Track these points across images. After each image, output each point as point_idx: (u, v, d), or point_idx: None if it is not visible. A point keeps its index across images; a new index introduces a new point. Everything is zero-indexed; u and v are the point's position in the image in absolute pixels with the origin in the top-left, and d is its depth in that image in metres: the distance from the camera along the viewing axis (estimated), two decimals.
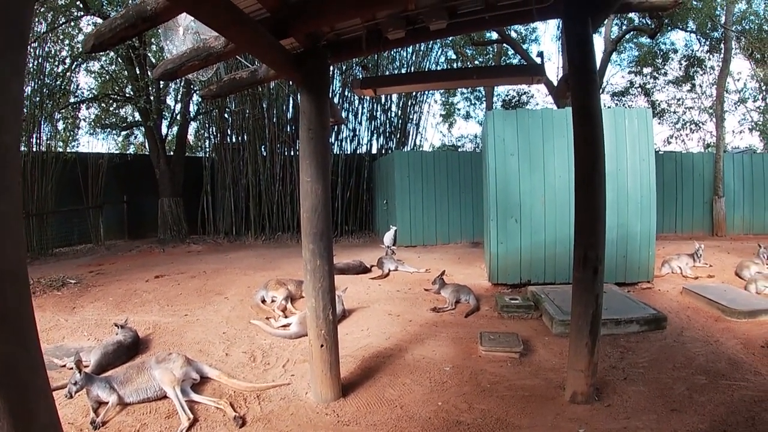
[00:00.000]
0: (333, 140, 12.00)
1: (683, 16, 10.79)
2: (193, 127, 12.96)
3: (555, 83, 11.08)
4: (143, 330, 4.22)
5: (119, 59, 10.31)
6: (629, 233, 5.73)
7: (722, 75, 11.30)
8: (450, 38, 11.76)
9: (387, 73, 11.57)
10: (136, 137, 15.03)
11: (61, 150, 9.78)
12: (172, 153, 11.59)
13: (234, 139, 11.75)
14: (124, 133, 13.89)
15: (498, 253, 5.90)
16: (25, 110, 8.00)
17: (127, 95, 10.63)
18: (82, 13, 9.26)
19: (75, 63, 9.89)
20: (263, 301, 5.12)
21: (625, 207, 5.73)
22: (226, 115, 11.76)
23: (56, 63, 9.62)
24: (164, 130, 11.39)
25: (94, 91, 11.14)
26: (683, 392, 2.98)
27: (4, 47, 1.01)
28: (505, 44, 13.18)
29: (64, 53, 9.70)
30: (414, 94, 12.92)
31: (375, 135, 13.19)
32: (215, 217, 11.71)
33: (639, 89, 15.68)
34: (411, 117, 13.44)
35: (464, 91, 17.51)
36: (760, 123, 14.71)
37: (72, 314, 4.79)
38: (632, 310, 4.36)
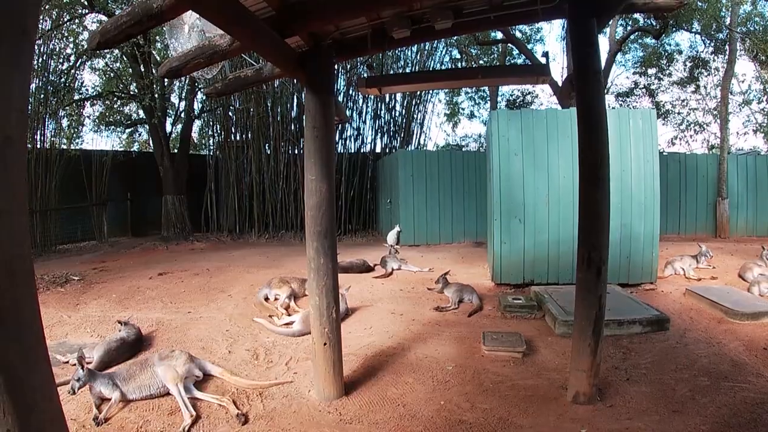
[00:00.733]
0: (337, 139, 11.99)
1: (688, 17, 10.75)
2: (197, 125, 13.03)
3: (560, 83, 11.05)
4: (146, 327, 4.23)
5: (124, 57, 10.34)
6: (633, 234, 5.71)
7: (727, 76, 11.22)
8: (455, 38, 11.74)
9: (392, 72, 11.56)
10: (140, 135, 15.07)
11: (65, 147, 9.84)
12: (176, 151, 11.61)
13: (238, 137, 11.75)
14: (128, 130, 13.91)
15: (501, 252, 5.89)
16: (29, 107, 8.03)
17: (132, 93, 10.65)
18: (87, 11, 9.28)
19: (80, 60, 9.94)
20: (266, 299, 5.13)
21: (629, 208, 5.71)
22: (230, 113, 11.78)
23: (61, 60, 9.66)
24: (168, 128, 11.42)
25: (98, 88, 11.19)
26: (685, 393, 2.97)
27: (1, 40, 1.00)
28: (509, 44, 13.15)
29: (68, 50, 9.75)
30: (418, 93, 12.91)
31: (379, 134, 13.22)
32: (219, 215, 11.73)
33: (643, 90, 15.65)
34: (415, 116, 13.45)
35: (468, 90, 17.48)
36: (765, 125, 14.66)
37: (75, 311, 4.82)
38: (635, 311, 4.35)
